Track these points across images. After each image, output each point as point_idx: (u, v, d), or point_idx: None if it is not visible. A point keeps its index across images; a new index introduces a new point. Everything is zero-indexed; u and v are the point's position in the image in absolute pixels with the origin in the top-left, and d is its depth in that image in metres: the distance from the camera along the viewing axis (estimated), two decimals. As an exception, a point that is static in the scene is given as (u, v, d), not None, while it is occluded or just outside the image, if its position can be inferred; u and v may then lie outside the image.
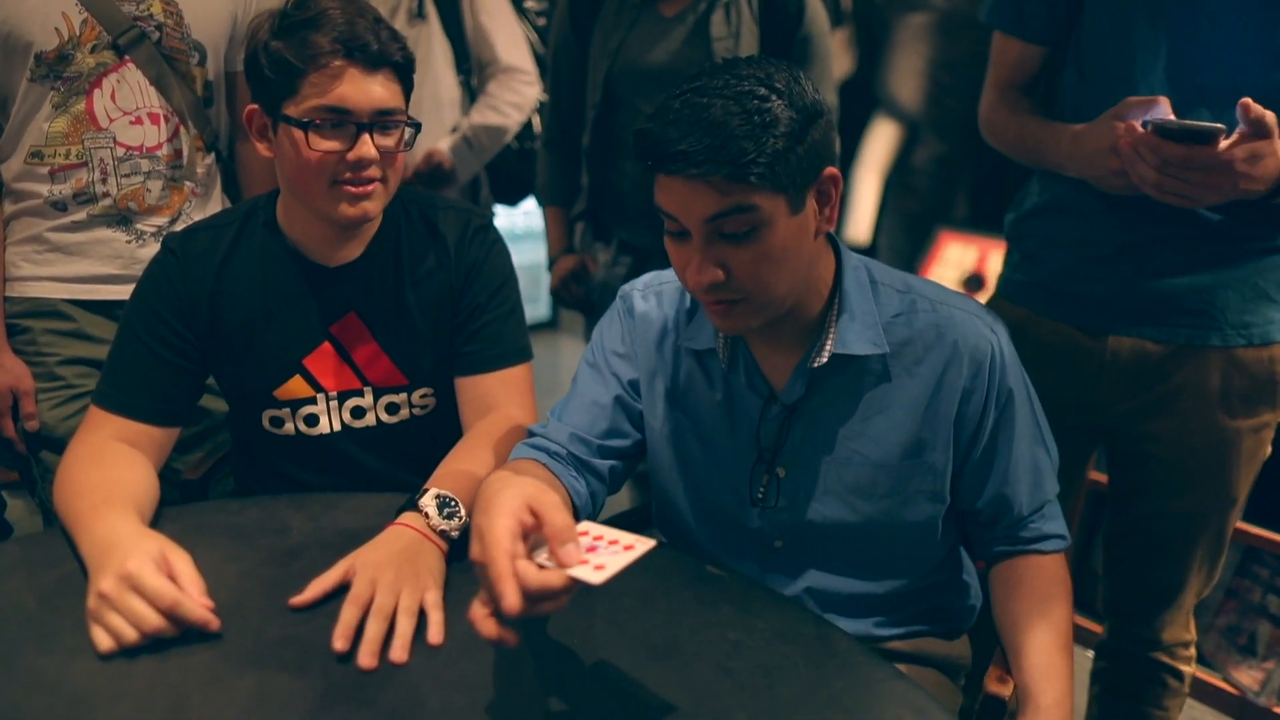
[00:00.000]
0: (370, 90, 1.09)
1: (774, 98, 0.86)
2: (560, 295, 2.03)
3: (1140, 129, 1.07)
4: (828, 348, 0.99)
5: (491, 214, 1.29)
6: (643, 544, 0.77)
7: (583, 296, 2.00)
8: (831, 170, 0.91)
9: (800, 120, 0.87)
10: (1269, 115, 1.01)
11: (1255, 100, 1.03)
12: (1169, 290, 1.22)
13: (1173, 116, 1.07)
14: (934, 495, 1.03)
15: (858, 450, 1.02)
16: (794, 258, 0.91)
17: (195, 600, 0.87)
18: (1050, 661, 0.94)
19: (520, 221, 4.15)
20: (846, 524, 1.04)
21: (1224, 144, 1.02)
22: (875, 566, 1.07)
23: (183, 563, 0.89)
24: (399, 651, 0.86)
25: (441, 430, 1.26)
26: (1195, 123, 1.03)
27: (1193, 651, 1.45)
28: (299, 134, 1.09)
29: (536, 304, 4.34)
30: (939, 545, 1.07)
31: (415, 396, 1.28)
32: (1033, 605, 0.99)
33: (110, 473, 1.06)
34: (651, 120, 0.88)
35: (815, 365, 0.99)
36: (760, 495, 1.06)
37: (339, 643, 0.86)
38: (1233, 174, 1.03)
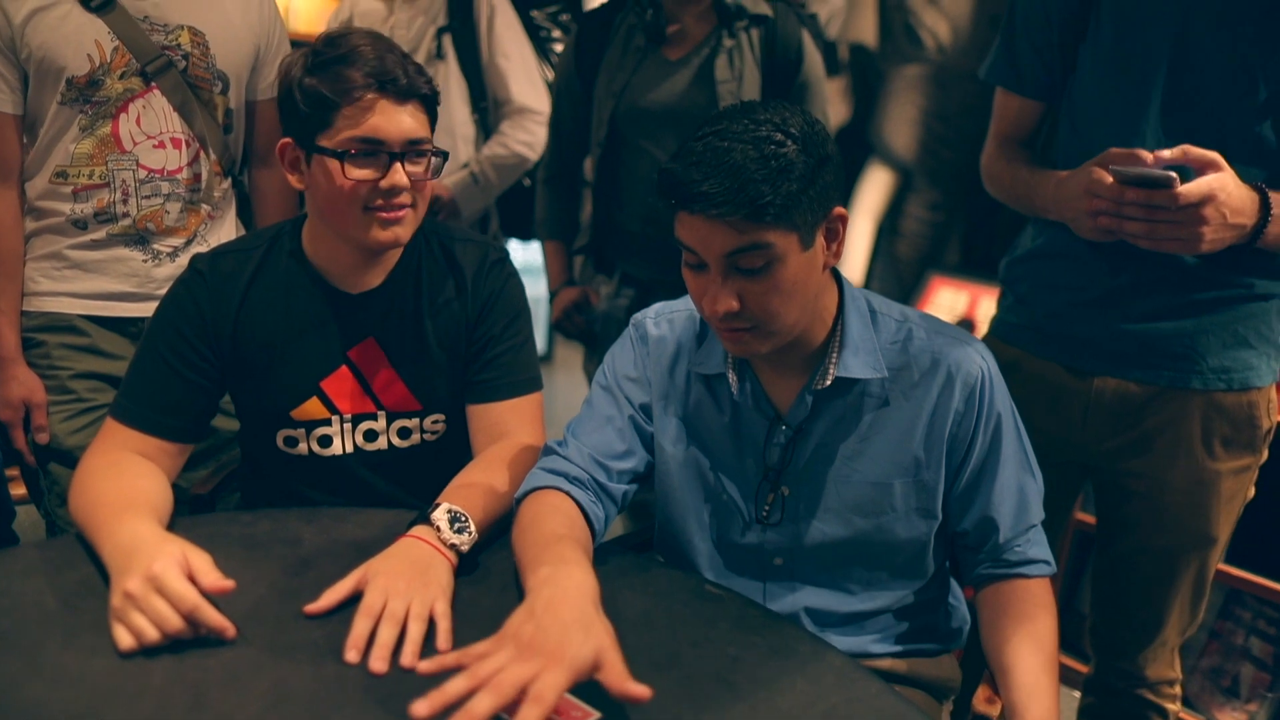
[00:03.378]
0: (401, 121, 1.14)
1: (789, 143, 0.93)
2: (562, 326, 2.08)
3: (1107, 178, 1.14)
4: (831, 371, 1.05)
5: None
6: (586, 715, 0.82)
7: (585, 327, 2.05)
8: (840, 210, 0.99)
9: (813, 164, 0.94)
10: (1211, 155, 1.09)
11: (1240, 151, 1.10)
12: (1152, 334, 1.28)
13: (1150, 166, 1.14)
14: (927, 512, 1.08)
15: (857, 469, 1.08)
16: (803, 290, 0.98)
17: (214, 589, 0.90)
18: (1037, 680, 0.97)
19: (520, 256, 4.21)
20: (844, 540, 1.09)
21: (1179, 188, 1.08)
22: (869, 583, 1.11)
23: (202, 561, 0.92)
24: (409, 656, 0.88)
25: (450, 456, 1.29)
26: (1151, 170, 1.10)
27: (1178, 690, 1.48)
28: (334, 164, 1.13)
29: (532, 337, 4.36)
30: (929, 563, 1.12)
31: (427, 422, 1.32)
32: (1019, 626, 1.03)
33: (128, 481, 1.09)
34: (675, 161, 0.95)
35: (819, 388, 1.06)
36: (765, 513, 1.10)
37: (351, 654, 0.88)
38: (1198, 218, 1.09)
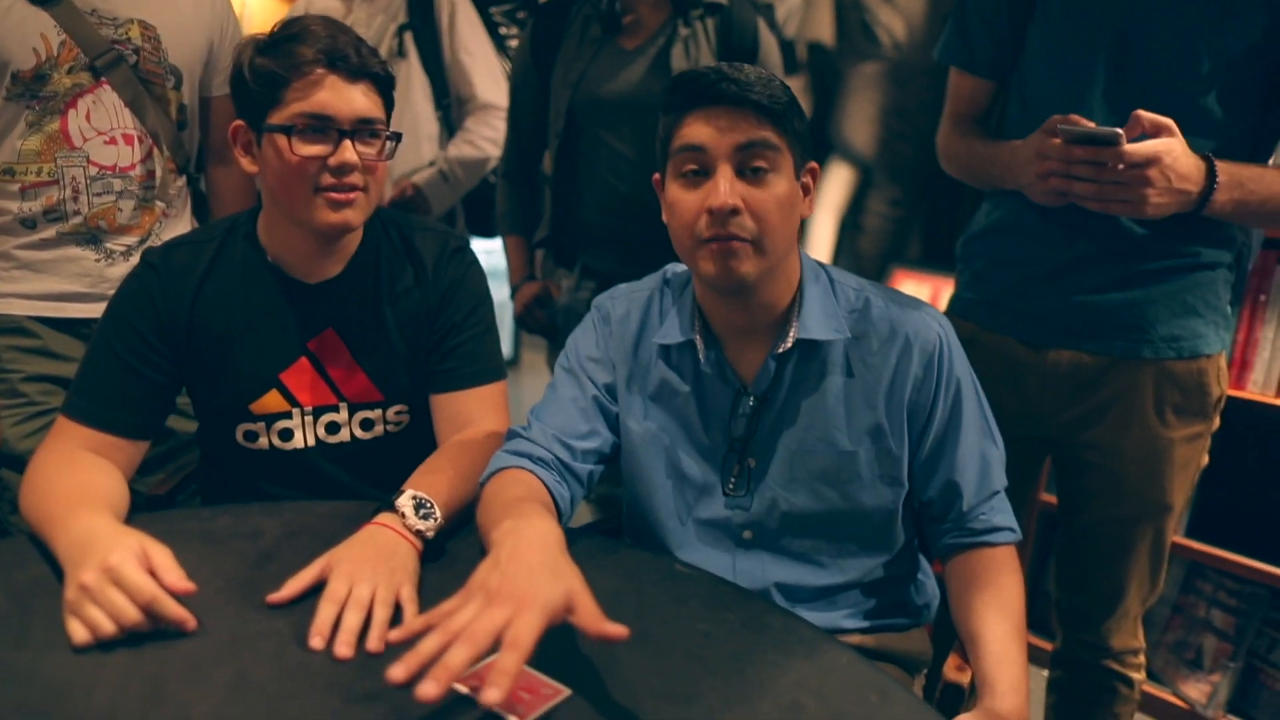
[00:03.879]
0: (352, 98, 1.13)
1: (777, 81, 1.02)
2: (524, 321, 2.07)
3: (1056, 140, 1.17)
4: (792, 334, 1.06)
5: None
6: (557, 692, 0.81)
7: (546, 321, 2.04)
8: (813, 164, 1.06)
9: (795, 103, 1.03)
10: (1163, 120, 1.12)
11: (1184, 121, 1.12)
12: (1103, 305, 1.30)
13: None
14: (893, 480, 1.09)
15: (823, 438, 1.08)
16: (790, 218, 1.02)
17: (175, 587, 0.87)
18: (1005, 648, 0.98)
19: (487, 261, 4.18)
20: (812, 511, 1.10)
21: (1125, 145, 1.11)
22: (839, 554, 1.12)
23: (162, 555, 0.89)
24: (375, 641, 0.87)
25: (414, 447, 1.27)
26: (1096, 127, 1.14)
27: (1142, 660, 1.50)
28: (283, 140, 1.12)
29: (496, 340, 4.34)
30: (898, 535, 1.13)
31: (390, 413, 1.30)
32: (987, 595, 1.03)
33: (83, 477, 1.07)
34: (690, 74, 1.01)
35: (781, 351, 1.07)
36: (731, 485, 1.10)
37: (315, 640, 0.87)
38: (1143, 179, 1.12)
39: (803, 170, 1.05)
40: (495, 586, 0.79)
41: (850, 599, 1.13)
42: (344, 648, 0.86)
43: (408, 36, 2.13)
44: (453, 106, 2.19)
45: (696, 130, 1.00)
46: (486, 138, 2.15)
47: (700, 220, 1.00)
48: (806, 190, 1.06)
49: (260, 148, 1.16)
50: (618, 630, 0.77)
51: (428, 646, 0.74)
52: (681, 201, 1.02)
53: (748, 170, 1.00)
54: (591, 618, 0.78)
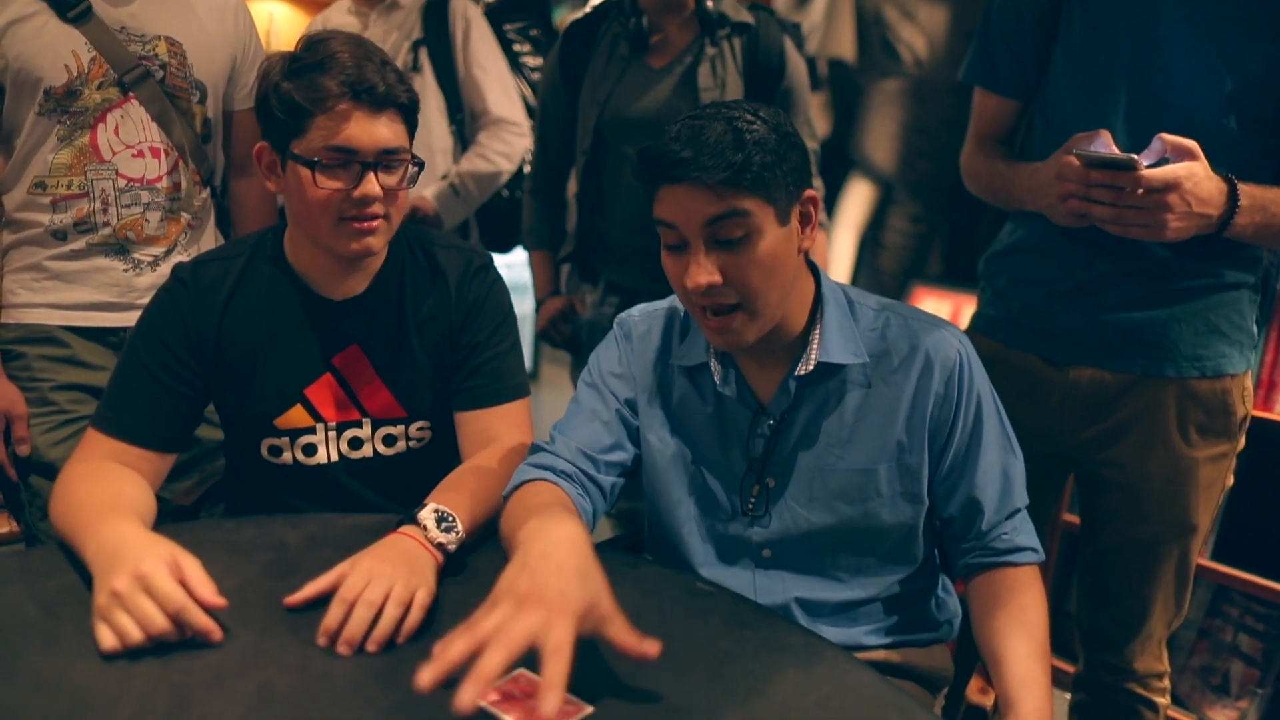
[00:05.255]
0: (375, 131, 1.13)
1: (759, 122, 0.97)
2: (548, 335, 2.08)
3: (1075, 162, 1.16)
4: (813, 357, 1.06)
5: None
6: (579, 709, 0.80)
7: (570, 336, 2.05)
8: (811, 192, 1.02)
9: (783, 142, 0.98)
10: (1187, 142, 1.11)
11: (1207, 143, 1.11)
12: (1125, 324, 1.29)
13: (1114, 149, 1.16)
14: (912, 497, 1.09)
15: (841, 457, 1.08)
16: (782, 269, 1.00)
17: (206, 601, 0.88)
18: (1029, 670, 0.97)
19: (505, 275, 4.20)
20: (831, 527, 1.09)
21: (1143, 170, 1.10)
22: (858, 570, 1.11)
23: (193, 566, 0.90)
24: (377, 637, 0.88)
25: (436, 463, 1.27)
26: (1114, 153, 1.13)
27: (1166, 683, 1.48)
28: (306, 172, 1.13)
29: (518, 354, 4.35)
30: (918, 550, 1.12)
31: (412, 429, 1.31)
32: (1010, 616, 1.03)
33: (112, 487, 1.08)
34: (654, 141, 0.98)
35: (802, 374, 1.07)
36: (750, 505, 1.10)
37: (321, 639, 0.88)
38: (1162, 204, 1.11)
39: (795, 205, 1.01)
40: (525, 589, 0.77)
41: (871, 614, 1.12)
42: (344, 646, 0.87)
43: (422, 52, 2.15)
44: (466, 121, 2.20)
45: (666, 207, 0.99)
46: (499, 151, 2.16)
47: (688, 289, 1.00)
48: (807, 219, 1.03)
49: (284, 171, 1.17)
50: (652, 648, 0.76)
51: (455, 651, 0.72)
52: (670, 270, 1.03)
53: (721, 241, 0.98)
54: (625, 635, 0.77)
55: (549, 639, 0.72)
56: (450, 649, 0.72)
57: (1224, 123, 1.20)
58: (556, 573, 0.79)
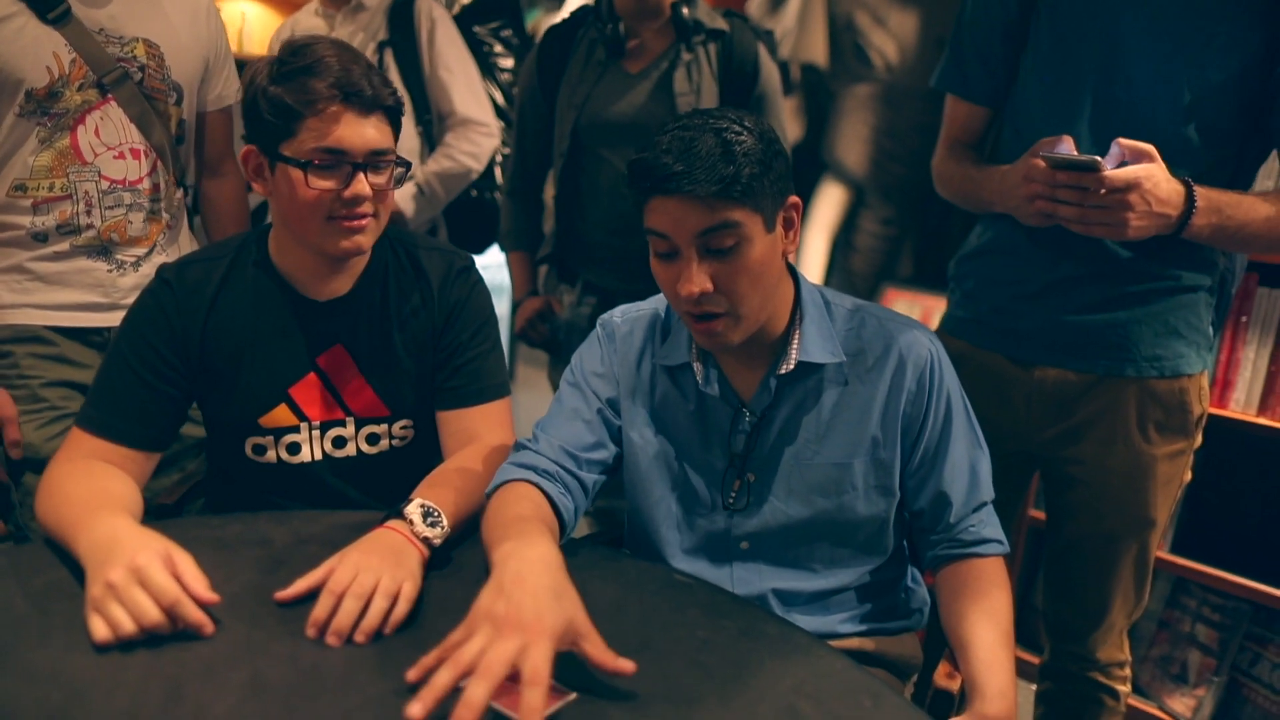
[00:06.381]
0: (365, 132, 1.15)
1: (746, 133, 1.00)
2: (526, 335, 2.10)
3: (1042, 164, 1.21)
4: (794, 356, 1.11)
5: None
6: (562, 696, 0.83)
7: (548, 336, 2.07)
8: (794, 199, 1.06)
9: (769, 152, 1.01)
10: (1144, 146, 1.16)
11: (1166, 150, 1.17)
12: (1088, 325, 1.34)
13: (1075, 152, 1.21)
14: (885, 489, 1.13)
15: (819, 452, 1.12)
16: (768, 274, 1.04)
17: (200, 596, 0.90)
18: (994, 655, 1.01)
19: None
20: (808, 520, 1.14)
21: (1106, 171, 1.15)
22: (832, 561, 1.16)
23: (186, 561, 0.92)
24: (365, 629, 0.90)
25: (419, 462, 1.30)
26: (1076, 155, 1.18)
27: (1128, 672, 1.53)
28: (297, 173, 1.15)
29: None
30: (889, 540, 1.17)
31: (396, 428, 1.33)
32: (976, 604, 1.07)
33: (100, 484, 1.09)
34: (644, 152, 1.00)
35: (783, 372, 1.11)
36: (731, 500, 1.14)
37: (311, 630, 0.90)
38: (1124, 203, 1.16)
39: (780, 212, 1.05)
40: (502, 614, 0.81)
41: (844, 603, 1.17)
42: (333, 638, 0.89)
43: (388, 53, 2.16)
44: (433, 122, 2.21)
45: (658, 218, 1.02)
46: (466, 152, 2.17)
47: (680, 296, 1.03)
48: (790, 224, 1.07)
49: (273, 174, 1.18)
50: (627, 666, 0.81)
51: (441, 681, 0.77)
52: (660, 275, 1.06)
53: (713, 250, 1.01)
54: (603, 653, 0.82)
55: (526, 664, 0.77)
56: (436, 679, 0.77)
57: (1183, 131, 1.25)
58: (532, 595, 0.83)
